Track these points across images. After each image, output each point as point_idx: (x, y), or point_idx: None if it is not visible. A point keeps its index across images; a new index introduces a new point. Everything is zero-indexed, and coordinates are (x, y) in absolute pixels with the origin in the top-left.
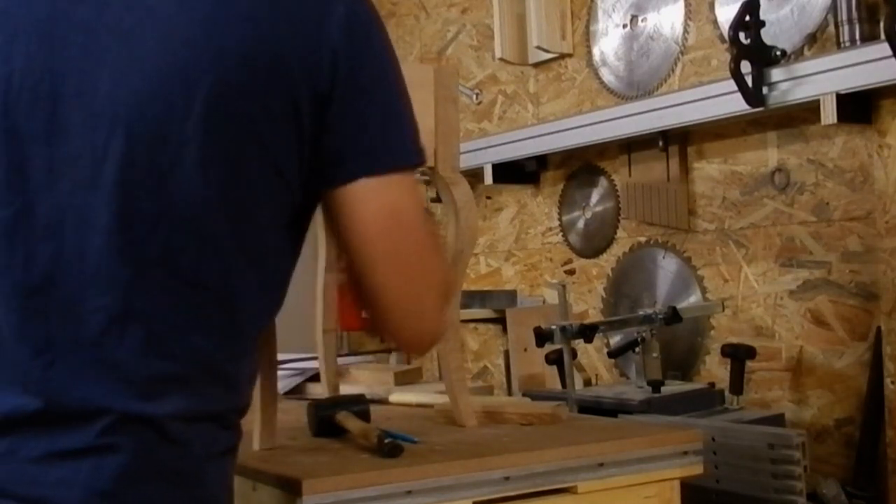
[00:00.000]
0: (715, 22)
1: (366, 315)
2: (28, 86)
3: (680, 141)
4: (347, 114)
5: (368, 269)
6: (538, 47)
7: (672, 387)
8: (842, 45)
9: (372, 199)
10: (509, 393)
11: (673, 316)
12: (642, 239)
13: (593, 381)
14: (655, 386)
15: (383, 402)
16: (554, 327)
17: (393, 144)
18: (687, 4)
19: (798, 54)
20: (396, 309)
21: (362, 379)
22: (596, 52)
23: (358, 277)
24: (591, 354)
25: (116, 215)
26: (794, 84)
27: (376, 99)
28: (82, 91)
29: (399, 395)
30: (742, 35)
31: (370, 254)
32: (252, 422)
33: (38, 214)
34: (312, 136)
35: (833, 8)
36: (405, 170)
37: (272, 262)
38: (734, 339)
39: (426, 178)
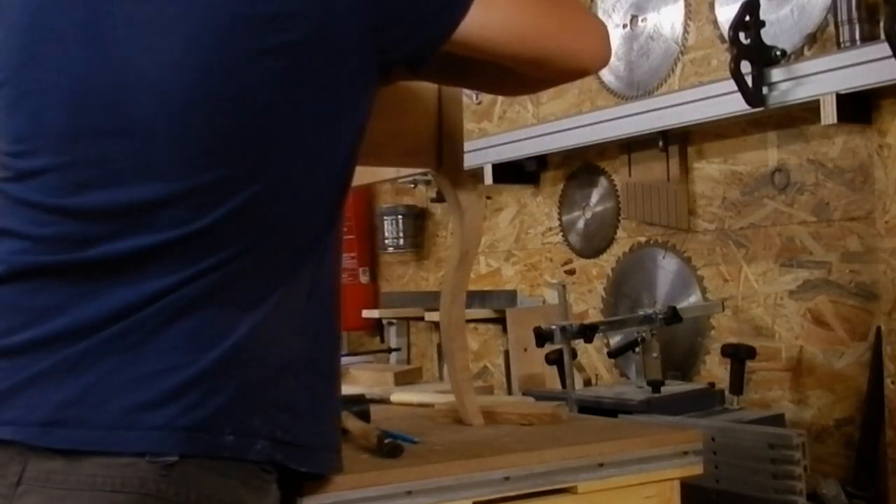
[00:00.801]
0: (715, 22)
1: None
2: (95, 87)
3: (680, 141)
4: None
5: (531, 58)
6: None
7: (672, 387)
8: (842, 45)
9: (475, 34)
10: (509, 393)
11: (673, 316)
12: (642, 239)
13: (593, 381)
14: (655, 386)
15: (383, 402)
16: (554, 327)
17: None
18: (687, 4)
19: (798, 54)
20: (567, 49)
21: (362, 379)
22: None
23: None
24: (591, 354)
25: None
26: (794, 84)
27: None
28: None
29: (399, 395)
30: (742, 35)
31: (520, 54)
32: None
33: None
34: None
35: (833, 8)
36: None
37: None
38: (734, 339)
39: (428, 178)
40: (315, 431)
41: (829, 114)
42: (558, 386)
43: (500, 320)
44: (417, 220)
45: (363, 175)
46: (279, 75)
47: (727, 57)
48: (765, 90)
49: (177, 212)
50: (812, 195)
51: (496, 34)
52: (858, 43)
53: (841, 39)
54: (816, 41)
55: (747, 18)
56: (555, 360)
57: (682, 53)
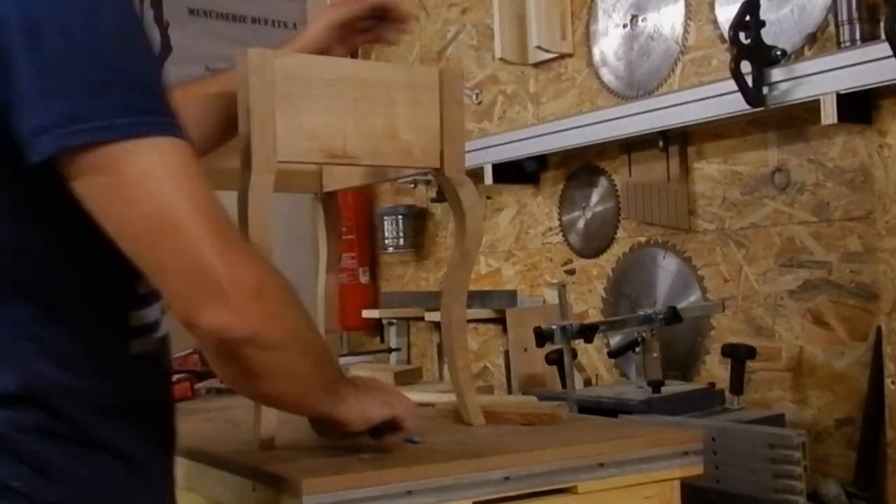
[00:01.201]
0: (715, 22)
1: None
2: None
3: (680, 141)
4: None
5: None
6: (538, 47)
7: (672, 387)
8: (842, 45)
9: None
10: (509, 393)
11: (673, 316)
12: (642, 239)
13: (593, 381)
14: (655, 386)
15: None
16: (554, 327)
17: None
18: (687, 4)
19: (798, 54)
20: (182, 284)
21: None
22: (596, 52)
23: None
24: (591, 354)
25: None
26: (794, 84)
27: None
28: None
29: None
30: (742, 35)
31: (118, 234)
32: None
33: None
34: None
35: (833, 8)
36: (89, 148)
37: None
38: (734, 339)
39: (428, 178)
40: (59, 497)
41: (829, 114)
42: (558, 386)
43: (500, 320)
44: (417, 220)
45: (363, 175)
46: None
47: (727, 57)
48: (765, 90)
49: None
50: (812, 195)
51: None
52: (859, 43)
53: (841, 39)
54: (817, 41)
55: (747, 18)
56: (555, 360)
57: (682, 53)
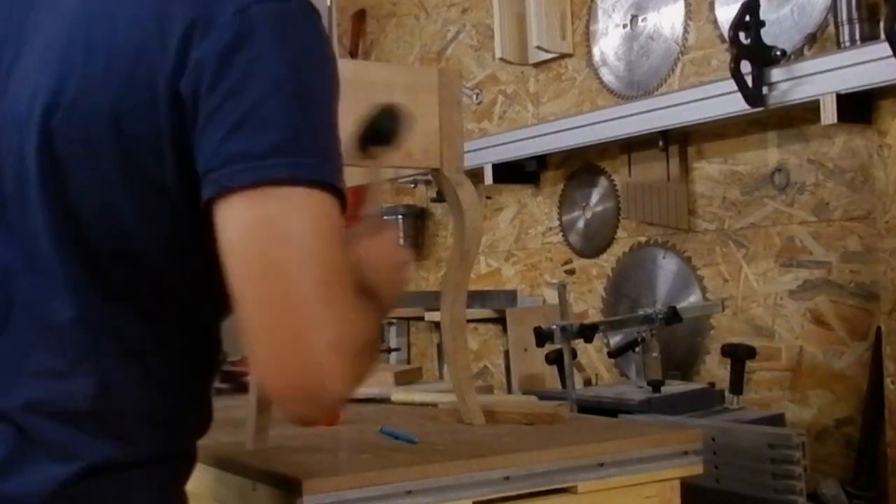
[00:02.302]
0: (715, 22)
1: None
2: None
3: (680, 141)
4: (206, 121)
5: (235, 295)
6: (538, 47)
7: (672, 387)
8: (842, 45)
9: (237, 216)
10: (509, 393)
11: (673, 316)
12: (642, 239)
13: (593, 381)
14: (655, 386)
15: (384, 401)
16: (554, 327)
17: (253, 153)
18: (687, 4)
19: (798, 54)
20: (260, 347)
21: None
22: (596, 52)
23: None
24: (591, 354)
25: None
26: (794, 84)
27: (243, 102)
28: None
29: (402, 394)
30: (742, 35)
31: (234, 273)
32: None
33: None
34: (175, 142)
35: (833, 8)
36: (285, 183)
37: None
38: (734, 339)
39: (428, 178)
40: None
41: (829, 114)
42: (558, 386)
43: (500, 320)
44: (417, 220)
45: (363, 175)
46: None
47: (727, 57)
48: (765, 90)
49: None
50: (812, 195)
51: (225, 241)
52: (858, 43)
53: (841, 39)
54: (816, 41)
55: (747, 18)
56: (555, 360)
57: (682, 53)
